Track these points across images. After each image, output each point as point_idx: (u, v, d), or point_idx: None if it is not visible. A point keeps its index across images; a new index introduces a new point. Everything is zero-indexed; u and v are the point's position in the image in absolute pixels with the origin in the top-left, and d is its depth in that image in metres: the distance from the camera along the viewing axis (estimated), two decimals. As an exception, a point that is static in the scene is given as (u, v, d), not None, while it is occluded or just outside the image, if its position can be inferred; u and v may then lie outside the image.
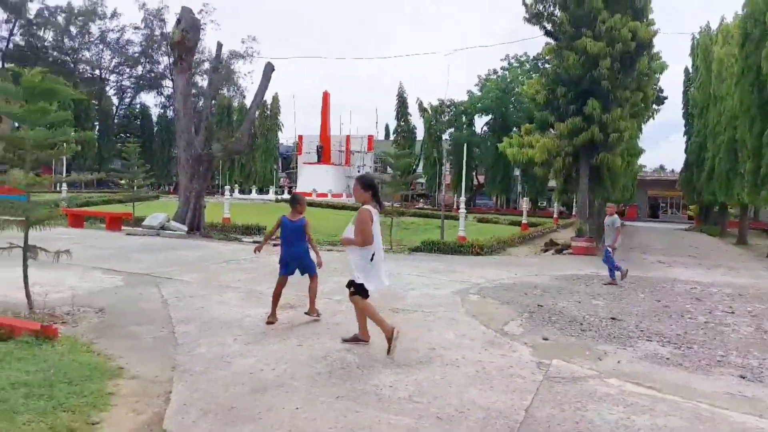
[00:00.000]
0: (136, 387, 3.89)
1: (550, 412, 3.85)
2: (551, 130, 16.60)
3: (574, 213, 38.02)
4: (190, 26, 15.23)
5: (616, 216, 10.62)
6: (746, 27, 17.00)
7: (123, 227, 15.41)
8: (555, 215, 32.26)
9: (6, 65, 42.12)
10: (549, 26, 15.75)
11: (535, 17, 15.59)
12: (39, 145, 5.10)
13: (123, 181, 19.35)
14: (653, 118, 21.85)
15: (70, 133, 5.42)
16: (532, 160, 15.71)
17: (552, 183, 39.47)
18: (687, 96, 35.50)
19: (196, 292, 7.25)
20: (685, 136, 37.56)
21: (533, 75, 38.22)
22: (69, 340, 4.59)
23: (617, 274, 10.01)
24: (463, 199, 17.25)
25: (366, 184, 5.14)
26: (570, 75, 14.99)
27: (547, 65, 37.46)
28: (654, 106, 20.84)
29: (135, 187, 18.37)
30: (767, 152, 16.05)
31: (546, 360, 5.06)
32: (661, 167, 68.43)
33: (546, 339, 5.86)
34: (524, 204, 26.93)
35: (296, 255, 6.09)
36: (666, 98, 32.01)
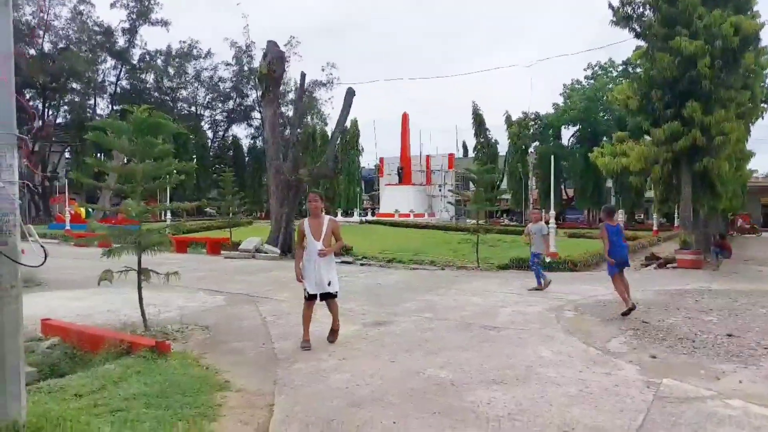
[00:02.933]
0: (242, 399, 4.07)
1: (665, 434, 3.57)
2: (646, 136, 15.68)
3: (675, 225, 35.53)
4: (276, 59, 16.09)
5: (542, 223, 10.41)
6: None
7: (222, 251, 16.34)
8: (654, 227, 30.26)
9: (115, 107, 46.54)
10: (639, 28, 14.99)
11: (623, 20, 14.89)
12: (147, 176, 5.58)
13: (217, 210, 20.57)
14: (762, 118, 20.04)
15: (173, 165, 5.86)
16: (627, 169, 14.87)
17: (649, 194, 37.28)
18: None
19: (291, 310, 7.50)
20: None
21: (622, 81, 36.57)
22: (180, 355, 4.91)
23: (543, 281, 9.80)
24: (552, 213, 16.63)
25: (324, 198, 6.03)
26: (665, 77, 14.11)
27: (638, 69, 35.68)
28: (763, 104, 19.12)
29: (231, 214, 19.45)
30: None
31: (655, 379, 4.71)
32: (780, 172, 62.18)
33: (654, 357, 5.46)
34: (619, 217, 25.50)
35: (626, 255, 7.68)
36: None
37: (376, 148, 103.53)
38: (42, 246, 2.89)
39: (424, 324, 6.79)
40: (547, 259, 10.37)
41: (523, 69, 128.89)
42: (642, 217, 47.33)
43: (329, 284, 5.52)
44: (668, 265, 15.01)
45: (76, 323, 5.83)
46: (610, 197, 45.69)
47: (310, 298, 5.57)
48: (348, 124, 51.14)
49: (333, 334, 5.79)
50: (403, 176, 48.10)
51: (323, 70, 53.59)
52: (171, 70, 52.64)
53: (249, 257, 14.88)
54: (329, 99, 55.67)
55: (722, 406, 4.10)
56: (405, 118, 49.02)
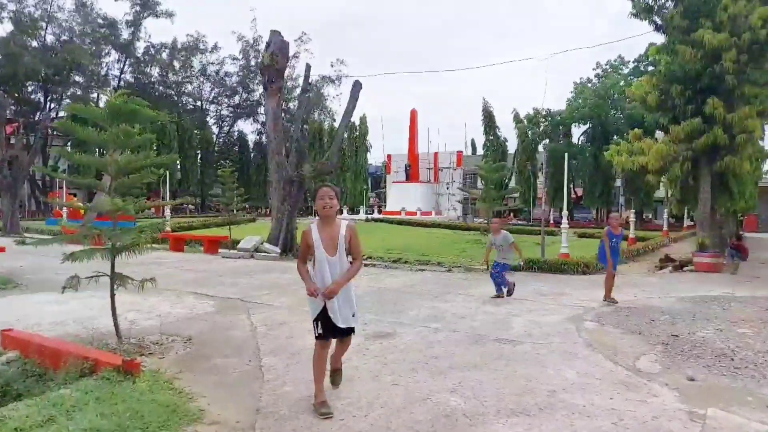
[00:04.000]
0: (216, 435, 3.45)
1: (726, 489, 2.93)
2: (663, 134, 14.95)
3: (685, 225, 34.68)
4: (279, 49, 15.45)
5: (505, 233, 9.00)
6: None
7: (220, 250, 15.76)
8: (665, 228, 29.42)
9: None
10: (659, 20, 14.25)
11: (643, 12, 14.16)
12: (122, 169, 4.97)
13: (217, 206, 19.95)
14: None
15: (153, 156, 5.25)
16: (645, 167, 14.15)
17: (659, 193, 36.39)
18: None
19: (286, 319, 6.90)
20: (819, 135, 33.11)
21: (634, 79, 35.67)
22: (151, 376, 4.29)
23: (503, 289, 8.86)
24: (565, 213, 15.92)
25: (339, 195, 4.05)
26: (686, 72, 13.40)
27: (650, 67, 34.71)
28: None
29: (235, 210, 18.88)
30: None
31: (698, 409, 4.07)
32: (784, 172, 61.05)
33: (692, 380, 4.80)
34: (630, 216, 24.74)
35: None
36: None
37: (383, 144, 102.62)
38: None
39: (431, 336, 6.15)
40: (520, 263, 9.60)
41: (534, 69, 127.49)
42: (650, 216, 46.44)
43: (353, 316, 3.99)
44: (684, 268, 14.30)
45: (40, 335, 5.23)
46: (619, 197, 44.90)
47: (325, 336, 3.92)
48: (357, 120, 50.61)
49: (337, 374, 4.23)
50: (411, 174, 47.42)
51: (332, 66, 53.01)
52: (176, 64, 52.16)
53: (248, 257, 14.28)
54: (337, 95, 54.97)
55: (786, 448, 3.45)
56: (413, 114, 48.31)
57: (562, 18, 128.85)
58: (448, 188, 47.25)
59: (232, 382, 4.47)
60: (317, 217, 4.06)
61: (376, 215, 42.48)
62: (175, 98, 52.71)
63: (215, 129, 57.29)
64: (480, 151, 50.66)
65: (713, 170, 14.12)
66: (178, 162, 46.53)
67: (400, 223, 33.48)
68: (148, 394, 3.86)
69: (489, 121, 46.24)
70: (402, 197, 44.30)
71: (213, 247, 15.97)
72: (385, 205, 48.50)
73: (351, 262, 3.98)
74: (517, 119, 43.35)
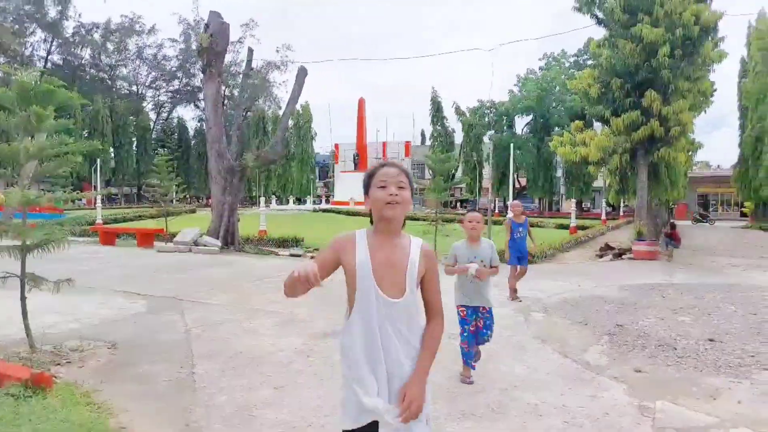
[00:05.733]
0: (137, 457, 3.08)
1: (682, 490, 2.84)
2: (604, 126, 15.35)
3: (621, 214, 36.20)
4: (218, 31, 14.70)
5: (488, 241, 4.94)
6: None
7: (155, 243, 14.95)
8: (603, 217, 30.57)
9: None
10: (600, 14, 14.56)
11: (586, 5, 14.45)
12: (34, 157, 4.43)
13: (151, 197, 18.92)
14: (705, 112, 20.21)
15: (71, 142, 4.71)
16: (586, 159, 14.50)
17: (597, 183, 37.79)
18: (741, 87, 33.36)
19: (224, 318, 6.47)
20: (739, 130, 35.31)
21: (574, 72, 36.70)
22: (65, 389, 3.83)
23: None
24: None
25: (413, 186, 2.11)
26: (626, 65, 13.77)
27: (590, 61, 35.71)
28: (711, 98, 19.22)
29: (173, 201, 17.98)
30: None
31: (647, 402, 4.03)
32: (707, 164, 65.01)
33: (639, 371, 4.80)
34: (572, 206, 25.49)
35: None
36: (716, 90, 29.97)
37: (331, 133, 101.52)
38: None
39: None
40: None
41: (482, 60, 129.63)
42: (589, 206, 48.26)
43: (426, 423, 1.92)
44: (623, 256, 14.78)
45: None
46: (560, 186, 46.36)
47: None
48: (300, 108, 49.58)
49: None
50: (359, 163, 47.09)
51: (278, 51, 51.56)
52: (110, 46, 49.41)
53: (185, 251, 13.56)
54: (283, 82, 53.58)
55: (733, 439, 3.44)
56: (361, 103, 47.93)
57: (511, 12, 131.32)
58: (395, 178, 47.25)
59: (161, 393, 4.06)
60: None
61: (324, 205, 41.99)
62: (109, 82, 50.05)
63: (153, 115, 54.82)
64: (429, 142, 50.97)
65: (650, 161, 14.62)
66: (111, 150, 44.25)
67: (349, 213, 33.19)
68: (60, 412, 3.41)
69: (437, 111, 46.54)
70: (350, 187, 43.88)
71: (147, 241, 15.12)
72: (333, 195, 48.00)
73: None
74: (458, 112, 43.89)
